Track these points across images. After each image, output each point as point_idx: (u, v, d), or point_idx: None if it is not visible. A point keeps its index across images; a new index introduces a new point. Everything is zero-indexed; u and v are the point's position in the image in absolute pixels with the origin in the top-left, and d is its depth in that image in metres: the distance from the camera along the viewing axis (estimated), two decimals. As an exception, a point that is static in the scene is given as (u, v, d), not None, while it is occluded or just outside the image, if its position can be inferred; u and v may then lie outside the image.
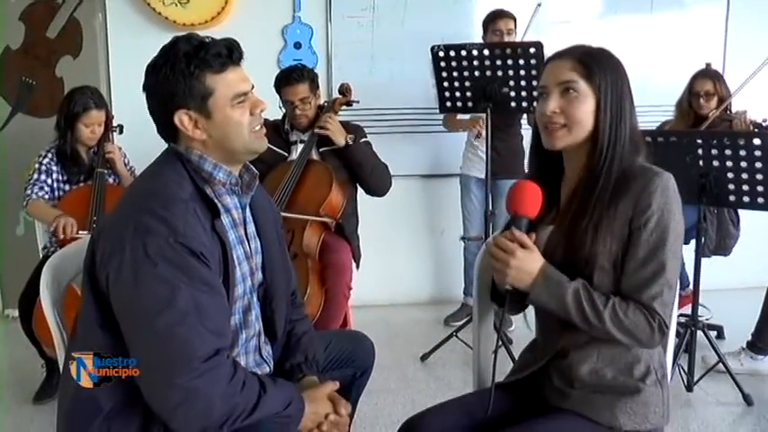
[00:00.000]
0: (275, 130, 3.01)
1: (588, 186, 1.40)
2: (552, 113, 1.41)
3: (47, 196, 2.88)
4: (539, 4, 3.48)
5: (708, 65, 3.49)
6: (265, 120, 1.54)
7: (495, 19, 3.41)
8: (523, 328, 3.30)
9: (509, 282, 1.39)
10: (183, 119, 1.40)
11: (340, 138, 2.96)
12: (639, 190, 1.36)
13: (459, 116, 3.51)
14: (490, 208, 3.21)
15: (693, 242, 2.93)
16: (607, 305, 1.34)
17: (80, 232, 2.71)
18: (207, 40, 1.41)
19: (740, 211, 3.34)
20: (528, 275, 1.37)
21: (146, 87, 1.43)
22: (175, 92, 1.38)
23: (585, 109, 1.39)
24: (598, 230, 1.37)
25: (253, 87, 1.46)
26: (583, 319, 1.35)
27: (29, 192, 2.87)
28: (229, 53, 1.41)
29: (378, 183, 3.07)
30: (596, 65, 1.40)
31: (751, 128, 3.19)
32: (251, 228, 1.57)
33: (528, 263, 1.37)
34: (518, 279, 1.38)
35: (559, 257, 1.41)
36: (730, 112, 3.38)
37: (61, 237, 2.67)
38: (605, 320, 1.34)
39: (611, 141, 1.39)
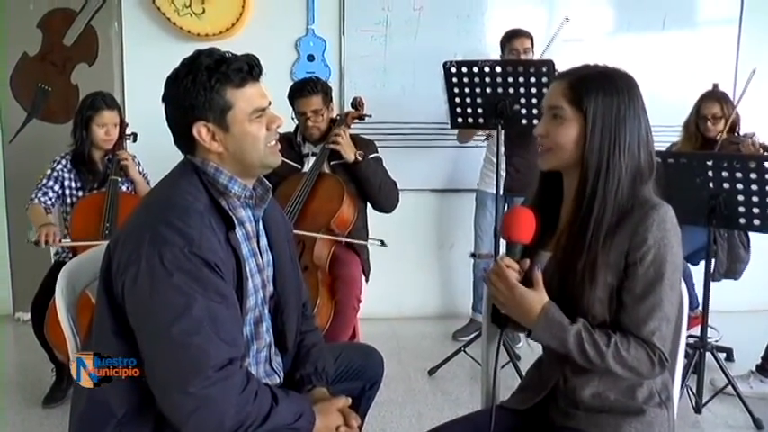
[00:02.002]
0: (288, 143, 3.03)
1: (582, 221, 1.38)
2: (539, 136, 1.44)
3: (49, 202, 2.91)
4: (566, 18, 3.50)
5: (715, 85, 3.47)
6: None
7: (511, 39, 3.44)
8: (531, 344, 3.30)
9: (508, 314, 1.40)
10: (201, 131, 1.43)
11: (350, 153, 2.97)
12: (636, 223, 1.35)
13: None
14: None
15: (703, 263, 2.92)
16: (609, 344, 1.33)
17: (63, 240, 2.77)
18: (228, 55, 1.44)
19: (750, 234, 3.33)
20: (529, 314, 1.36)
21: (165, 98, 1.46)
22: (195, 104, 1.40)
23: (568, 135, 1.39)
24: (595, 269, 1.36)
25: (270, 103, 1.49)
26: (584, 359, 1.35)
27: (33, 195, 2.91)
28: (250, 69, 1.43)
29: (384, 199, 3.08)
30: (585, 91, 1.37)
31: (760, 151, 3.18)
32: (263, 241, 1.59)
33: (529, 302, 1.36)
34: (519, 316, 1.38)
35: (555, 289, 1.40)
36: (739, 133, 3.38)
37: (43, 246, 2.71)
38: (608, 360, 1.33)
39: (602, 169, 1.36)
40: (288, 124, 3.02)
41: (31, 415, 2.80)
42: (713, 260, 3.28)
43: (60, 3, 3.82)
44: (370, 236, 3.15)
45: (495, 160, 3.56)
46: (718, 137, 3.32)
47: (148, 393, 1.35)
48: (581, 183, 1.40)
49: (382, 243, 2.94)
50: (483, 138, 3.70)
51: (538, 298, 1.37)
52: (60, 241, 2.76)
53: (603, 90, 1.38)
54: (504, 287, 1.37)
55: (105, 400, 1.38)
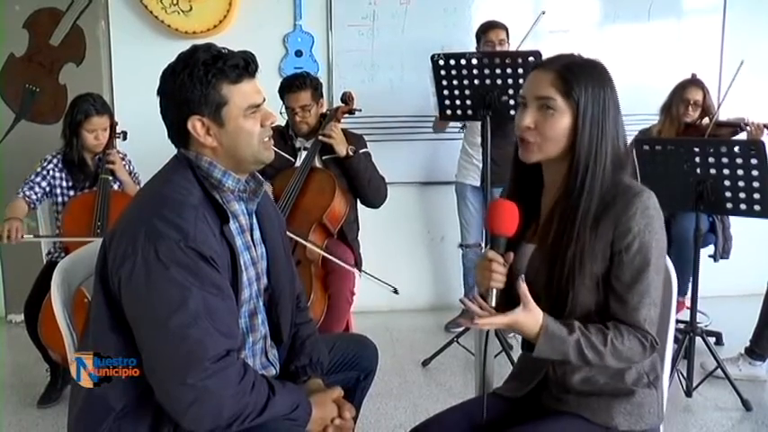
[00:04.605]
0: (281, 136, 3.05)
1: (570, 208, 1.38)
2: (526, 128, 1.40)
3: (34, 197, 2.90)
4: (542, 12, 3.52)
5: (694, 74, 3.54)
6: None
7: (486, 30, 3.48)
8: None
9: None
10: (196, 125, 1.44)
11: (342, 147, 2.99)
12: (619, 212, 1.35)
13: None
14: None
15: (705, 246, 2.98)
16: (606, 343, 1.34)
17: (25, 236, 2.78)
18: (225, 50, 1.45)
19: (740, 219, 3.37)
20: (529, 336, 1.36)
21: (161, 91, 1.47)
22: (191, 98, 1.42)
23: (560, 126, 1.37)
24: (584, 257, 1.36)
25: (264, 100, 1.50)
26: (584, 362, 1.37)
27: (19, 189, 2.91)
28: (246, 65, 1.45)
29: (373, 195, 3.11)
30: (576, 80, 1.36)
31: (764, 131, 3.23)
32: (257, 234, 1.61)
33: (526, 326, 1.35)
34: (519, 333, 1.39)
35: (542, 281, 1.41)
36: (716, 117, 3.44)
37: (5, 241, 2.70)
38: (606, 359, 1.35)
39: (591, 159, 1.37)
40: (278, 119, 3.05)
41: (26, 416, 2.80)
42: (713, 243, 3.40)
43: (46, 2, 3.80)
44: (363, 246, 3.17)
45: (471, 152, 3.64)
46: (702, 123, 3.37)
47: (147, 387, 1.36)
48: (571, 174, 1.39)
49: (395, 291, 2.87)
50: (459, 127, 3.73)
51: (533, 319, 1.35)
52: (23, 237, 2.74)
53: (592, 80, 1.38)
54: (499, 322, 1.34)
55: (104, 395, 1.39)
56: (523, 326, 1.35)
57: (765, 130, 3.23)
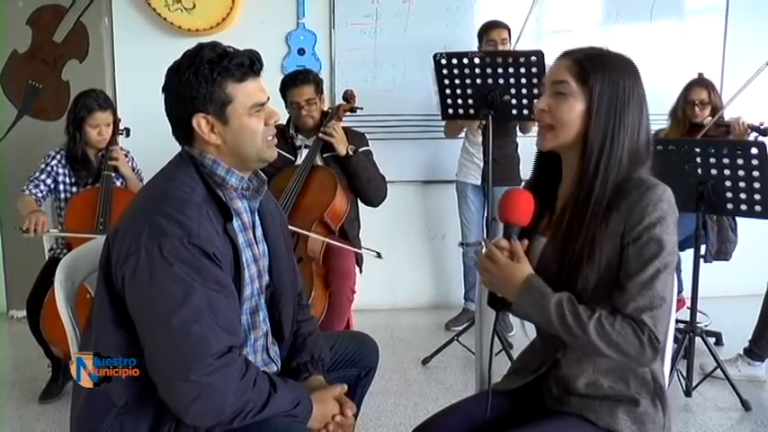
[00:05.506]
0: (281, 135, 3.04)
1: (582, 199, 1.37)
2: (540, 111, 1.40)
3: (40, 194, 2.91)
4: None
5: (700, 74, 3.54)
6: None
7: (488, 30, 3.49)
8: (523, 333, 3.33)
9: (496, 291, 1.41)
10: (200, 122, 1.45)
11: (342, 147, 3.00)
12: (632, 204, 1.33)
13: None
14: (492, 214, 3.24)
15: (691, 249, 2.96)
16: (592, 317, 1.30)
17: (51, 230, 2.80)
18: (230, 49, 1.46)
19: (740, 219, 3.37)
20: (512, 286, 1.37)
21: (166, 89, 1.48)
22: (196, 96, 1.42)
23: (572, 111, 1.37)
24: (593, 247, 1.34)
25: (269, 98, 1.51)
26: (566, 330, 1.31)
27: (24, 187, 2.92)
28: (251, 64, 1.46)
29: (373, 194, 3.12)
30: (594, 68, 1.36)
31: (748, 131, 3.23)
32: (259, 231, 1.62)
33: (513, 273, 1.37)
34: (503, 289, 1.39)
35: (554, 272, 1.39)
36: (722, 118, 3.44)
37: (31, 234, 2.70)
38: (590, 332, 1.29)
39: (604, 149, 1.35)
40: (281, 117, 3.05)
41: (27, 411, 2.80)
42: (704, 243, 3.34)
43: (50, -1, 3.81)
44: (364, 244, 3.17)
45: (472, 150, 3.64)
46: (705, 122, 3.37)
47: (149, 383, 1.37)
48: (583, 161, 1.38)
49: (378, 255, 2.92)
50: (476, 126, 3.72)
51: (521, 269, 1.37)
52: (48, 230, 2.76)
53: (610, 69, 1.37)
54: (490, 265, 1.39)
55: (106, 391, 1.40)
56: (509, 270, 1.38)
57: (749, 130, 3.22)
